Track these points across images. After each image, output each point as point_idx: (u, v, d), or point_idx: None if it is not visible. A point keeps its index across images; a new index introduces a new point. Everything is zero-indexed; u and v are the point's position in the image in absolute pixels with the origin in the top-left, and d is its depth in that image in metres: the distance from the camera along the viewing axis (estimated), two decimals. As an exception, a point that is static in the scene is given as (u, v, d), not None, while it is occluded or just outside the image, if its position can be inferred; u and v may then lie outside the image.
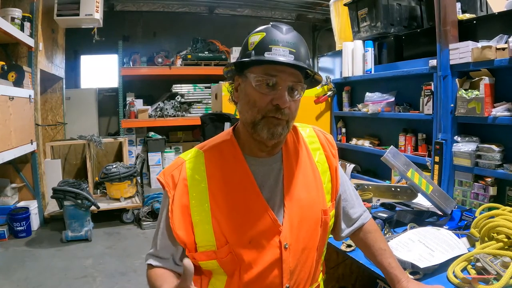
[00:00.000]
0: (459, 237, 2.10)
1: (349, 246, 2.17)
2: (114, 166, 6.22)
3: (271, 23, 1.33)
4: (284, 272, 1.33)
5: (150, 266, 1.41)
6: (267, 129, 1.27)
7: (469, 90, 2.67)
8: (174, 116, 8.25)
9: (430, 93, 3.01)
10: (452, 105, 2.80)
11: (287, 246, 1.32)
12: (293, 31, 1.31)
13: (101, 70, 9.16)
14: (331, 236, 1.62)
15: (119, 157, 7.54)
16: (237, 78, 1.37)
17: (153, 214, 5.98)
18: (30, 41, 5.63)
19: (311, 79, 1.40)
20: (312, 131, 1.56)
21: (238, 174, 1.35)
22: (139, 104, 8.25)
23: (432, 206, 2.59)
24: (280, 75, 1.25)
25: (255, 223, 1.31)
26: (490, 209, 2.39)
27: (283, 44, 1.25)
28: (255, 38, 1.29)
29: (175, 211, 1.32)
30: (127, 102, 8.17)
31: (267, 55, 1.24)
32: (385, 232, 2.34)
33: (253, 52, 1.27)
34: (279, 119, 1.27)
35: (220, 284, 1.35)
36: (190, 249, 1.33)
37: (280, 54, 1.24)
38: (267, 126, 1.27)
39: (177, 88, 8.35)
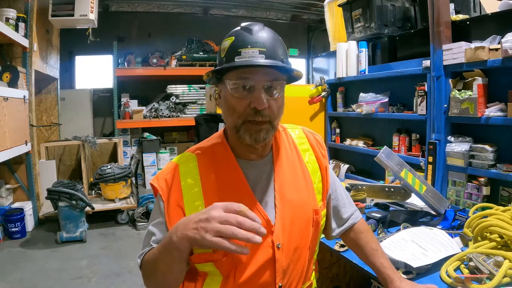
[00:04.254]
0: (452, 237, 2.11)
1: (342, 246, 2.18)
2: (108, 167, 6.21)
3: (241, 24, 1.33)
4: (277, 271, 1.34)
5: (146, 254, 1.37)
6: (249, 135, 1.29)
7: (463, 91, 2.68)
8: (169, 116, 8.23)
9: (423, 94, 3.02)
10: (446, 105, 2.82)
11: (279, 246, 1.33)
12: (263, 29, 1.31)
13: (95, 71, 9.12)
14: (323, 236, 1.63)
15: (113, 158, 7.53)
16: (218, 85, 1.38)
17: (148, 215, 5.96)
18: (25, 42, 5.62)
19: (292, 74, 1.38)
20: (301, 132, 1.57)
21: (231, 177, 1.36)
22: (134, 104, 8.23)
23: (426, 206, 2.60)
24: (253, 77, 1.25)
25: None
26: (483, 208, 2.41)
27: (252, 45, 1.25)
28: (225, 44, 1.30)
29: (171, 214, 1.33)
30: (121, 103, 8.14)
31: (237, 60, 1.25)
32: (379, 232, 2.35)
33: (224, 58, 1.28)
34: (259, 122, 1.28)
35: (215, 285, 1.35)
36: None
37: (250, 56, 1.24)
38: (248, 132, 1.29)
39: (172, 88, 8.33)
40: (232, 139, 1.39)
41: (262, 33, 1.29)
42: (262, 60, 1.25)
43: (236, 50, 1.26)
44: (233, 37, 1.29)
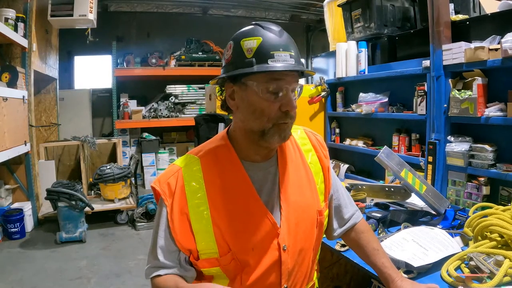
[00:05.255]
0: (452, 236, 2.11)
1: (343, 245, 2.18)
2: (108, 167, 6.21)
3: (254, 23, 1.32)
4: (283, 273, 1.34)
5: (157, 276, 1.34)
6: (278, 135, 1.28)
7: (462, 91, 2.68)
8: (168, 117, 8.22)
9: (423, 94, 3.02)
10: (445, 105, 2.82)
11: (285, 248, 1.33)
12: (284, 31, 1.31)
13: (95, 71, 9.11)
14: (324, 236, 1.62)
15: (113, 158, 7.53)
16: (229, 85, 1.34)
17: (147, 215, 5.97)
18: (24, 42, 5.62)
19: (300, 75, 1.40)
20: (303, 133, 1.56)
21: (236, 180, 1.35)
22: (133, 105, 8.22)
23: (426, 205, 2.60)
24: (284, 81, 1.26)
25: (257, 229, 1.31)
26: (483, 208, 2.41)
27: (283, 48, 1.25)
28: (251, 44, 1.26)
29: (175, 220, 1.30)
30: (121, 103, 8.13)
31: (272, 63, 1.23)
32: (379, 231, 2.35)
33: (254, 59, 1.24)
34: (287, 123, 1.29)
35: (223, 281, 1.35)
36: (193, 257, 1.33)
37: (283, 59, 1.24)
38: (277, 133, 1.28)
39: (171, 88, 8.33)
40: (243, 141, 1.36)
41: (286, 35, 1.30)
42: (295, 64, 1.27)
43: (269, 52, 1.24)
44: (260, 38, 1.26)
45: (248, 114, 1.30)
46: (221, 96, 1.41)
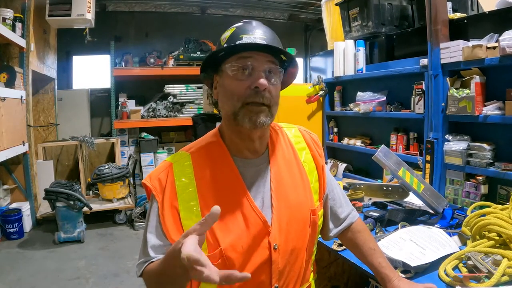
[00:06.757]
0: (450, 236, 2.11)
1: (340, 245, 2.17)
2: (106, 167, 6.20)
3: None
4: (273, 272, 1.32)
5: (147, 266, 1.30)
6: (248, 118, 1.25)
7: (460, 89, 2.68)
8: (167, 116, 8.22)
9: (421, 92, 3.02)
10: (443, 104, 2.81)
11: (276, 247, 1.31)
12: (264, 25, 1.34)
13: (93, 71, 9.10)
14: (320, 236, 1.61)
15: (111, 158, 7.51)
16: (215, 77, 1.37)
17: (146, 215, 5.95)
18: (22, 42, 5.61)
19: (286, 67, 1.39)
20: (297, 131, 1.55)
21: (227, 176, 1.33)
22: (131, 104, 8.22)
23: (424, 204, 2.59)
24: (253, 59, 1.26)
25: (247, 227, 1.29)
26: (481, 207, 2.40)
27: (253, 33, 1.28)
28: (226, 34, 1.32)
29: (167, 216, 1.28)
30: (119, 103, 8.13)
31: (239, 43, 1.26)
32: (377, 231, 2.34)
33: (225, 44, 1.29)
34: (260, 104, 1.26)
35: (211, 286, 1.31)
36: None
37: (252, 40, 1.26)
38: (248, 115, 1.25)
39: (170, 88, 8.32)
40: (230, 134, 1.36)
41: (263, 26, 1.32)
42: (263, 42, 1.27)
43: (238, 36, 1.27)
44: (234, 28, 1.31)
45: (223, 98, 1.32)
46: (211, 92, 1.44)
